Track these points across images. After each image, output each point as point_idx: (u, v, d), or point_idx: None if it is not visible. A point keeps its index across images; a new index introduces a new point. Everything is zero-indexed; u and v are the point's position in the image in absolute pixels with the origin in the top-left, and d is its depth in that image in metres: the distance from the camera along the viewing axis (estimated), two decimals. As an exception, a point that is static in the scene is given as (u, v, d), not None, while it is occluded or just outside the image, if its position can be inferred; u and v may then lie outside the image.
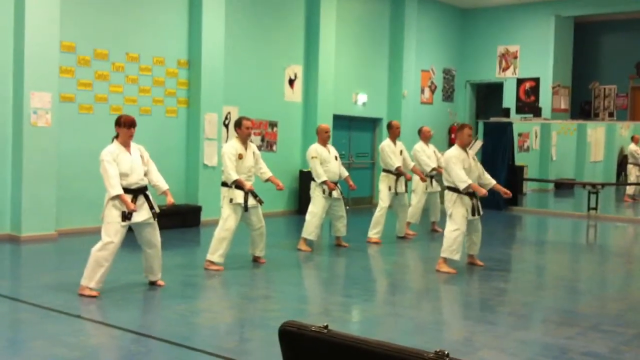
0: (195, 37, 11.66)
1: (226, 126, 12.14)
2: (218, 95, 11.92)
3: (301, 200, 12.93)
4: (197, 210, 11.33)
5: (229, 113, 12.21)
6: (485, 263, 8.80)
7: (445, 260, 7.93)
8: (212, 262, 7.75)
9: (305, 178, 11.67)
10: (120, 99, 10.73)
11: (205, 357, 4.77)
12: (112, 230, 6.28)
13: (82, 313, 5.76)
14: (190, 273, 7.96)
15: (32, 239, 9.35)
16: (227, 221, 7.69)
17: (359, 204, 14.85)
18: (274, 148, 13.25)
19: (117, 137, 6.46)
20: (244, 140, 7.82)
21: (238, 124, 7.91)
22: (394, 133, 10.06)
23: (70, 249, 8.99)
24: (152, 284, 6.81)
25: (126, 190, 6.33)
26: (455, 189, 7.92)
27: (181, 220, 11.12)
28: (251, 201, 7.79)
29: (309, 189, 9.37)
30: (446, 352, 1.70)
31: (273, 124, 13.28)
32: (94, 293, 6.29)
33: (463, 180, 7.81)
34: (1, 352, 4.80)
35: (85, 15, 10.30)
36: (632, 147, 16.76)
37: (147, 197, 6.49)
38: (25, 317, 5.76)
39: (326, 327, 1.91)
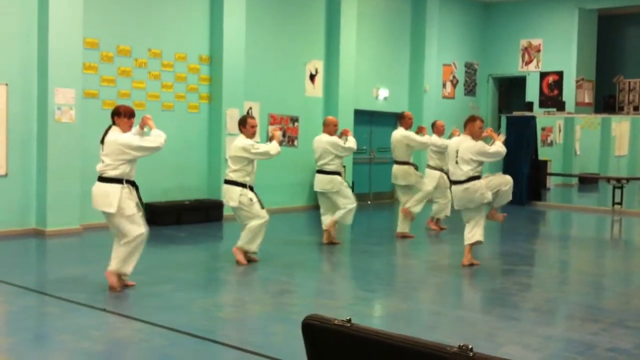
0: (217, 33, 11.70)
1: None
2: (239, 90, 11.96)
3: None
4: (219, 205, 11.37)
5: (250, 108, 12.25)
6: (509, 258, 8.75)
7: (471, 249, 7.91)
8: (247, 252, 7.74)
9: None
10: (143, 94, 10.81)
11: (230, 350, 4.80)
12: (137, 221, 6.31)
13: (107, 306, 5.81)
14: (214, 267, 8.02)
15: (57, 234, 9.47)
16: (261, 213, 7.72)
17: (380, 199, 14.82)
18: (295, 143, 13.26)
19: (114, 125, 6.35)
20: (249, 138, 7.76)
21: (243, 123, 7.81)
22: (406, 124, 9.91)
23: (94, 243, 9.08)
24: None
25: (114, 180, 6.22)
26: (478, 177, 7.70)
27: (204, 215, 11.19)
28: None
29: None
30: (470, 347, 1.69)
31: (294, 119, 13.30)
32: (131, 283, 6.46)
33: (499, 146, 7.67)
34: (27, 345, 4.87)
35: (108, 12, 10.39)
36: None
37: (136, 188, 6.40)
38: (50, 311, 5.84)
39: (349, 320, 1.91)
